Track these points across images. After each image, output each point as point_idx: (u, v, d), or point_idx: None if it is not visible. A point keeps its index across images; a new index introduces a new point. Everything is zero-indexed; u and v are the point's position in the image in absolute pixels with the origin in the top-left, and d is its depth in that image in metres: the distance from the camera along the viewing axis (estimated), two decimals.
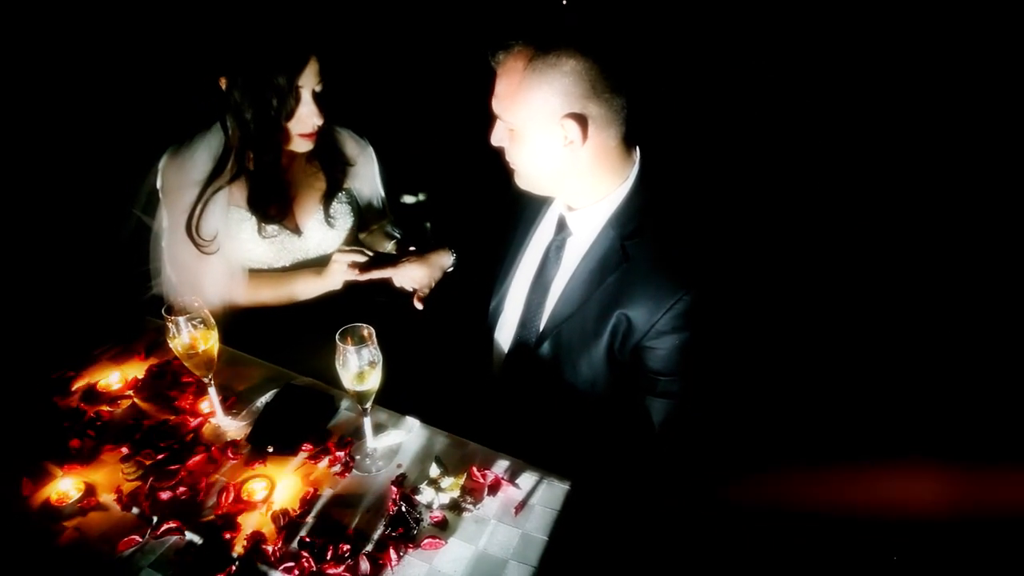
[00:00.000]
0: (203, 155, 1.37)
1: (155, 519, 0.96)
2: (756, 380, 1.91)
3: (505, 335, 1.36)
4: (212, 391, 1.12)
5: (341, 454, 1.09)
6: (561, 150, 1.07)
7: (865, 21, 3.78)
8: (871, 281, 2.74)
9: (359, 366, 0.95)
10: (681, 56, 3.88)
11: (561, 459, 1.09)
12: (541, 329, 1.26)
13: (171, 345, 1.04)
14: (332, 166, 1.53)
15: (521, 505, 1.01)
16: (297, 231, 1.48)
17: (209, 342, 1.05)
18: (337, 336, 0.94)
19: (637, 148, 1.18)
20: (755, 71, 3.91)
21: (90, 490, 1.01)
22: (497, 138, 1.14)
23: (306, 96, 1.29)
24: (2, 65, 2.08)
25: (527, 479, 1.06)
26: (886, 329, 2.48)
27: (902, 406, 2.11)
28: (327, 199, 1.52)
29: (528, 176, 1.16)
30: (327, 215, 1.51)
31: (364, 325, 0.96)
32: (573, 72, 0.99)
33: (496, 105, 1.09)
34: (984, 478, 1.74)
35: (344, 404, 1.22)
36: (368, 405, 1.03)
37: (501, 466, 1.08)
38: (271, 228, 1.43)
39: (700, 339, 1.10)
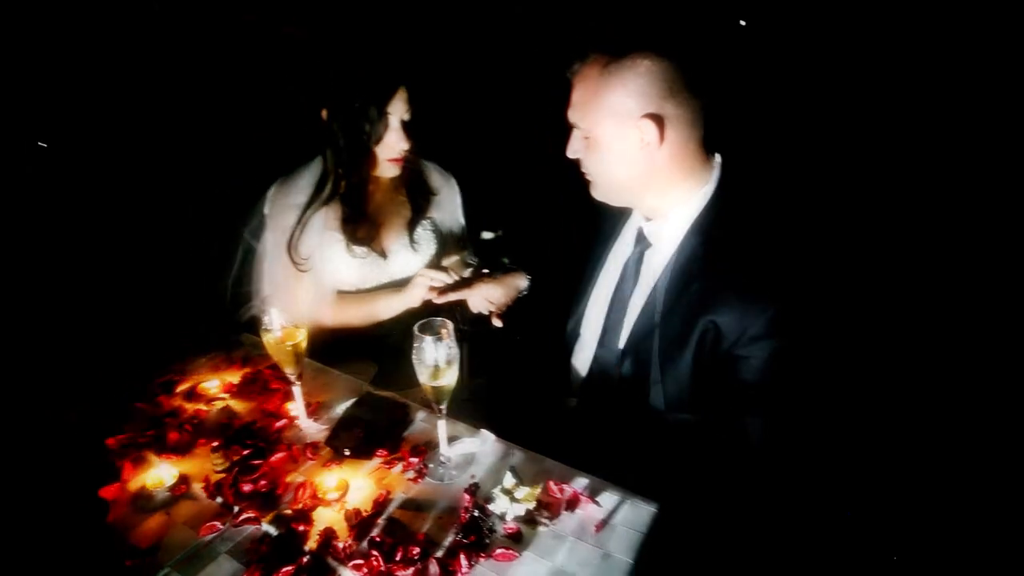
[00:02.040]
0: (305, 182, 1.50)
1: (236, 508, 0.97)
2: (855, 393, 1.70)
3: (583, 357, 1.32)
4: (297, 391, 1.15)
5: (415, 460, 1.07)
6: (637, 153, 1.06)
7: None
8: (968, 290, 2.43)
9: (435, 359, 0.94)
10: (764, 60, 3.78)
11: (645, 480, 1.00)
12: (621, 347, 1.20)
13: (264, 340, 1.09)
14: (417, 194, 1.61)
15: (602, 524, 0.93)
16: (383, 254, 1.55)
17: (298, 337, 1.10)
18: (416, 327, 0.95)
19: (717, 155, 1.15)
20: (845, 75, 3.73)
21: (183, 479, 1.05)
22: (573, 149, 1.14)
23: (394, 123, 1.40)
24: (154, 117, 2.46)
25: (608, 498, 0.98)
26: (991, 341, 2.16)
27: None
28: (411, 225, 1.60)
29: (605, 184, 1.14)
30: (411, 240, 1.58)
31: (443, 319, 0.96)
32: (648, 73, 1.00)
33: (572, 114, 1.10)
34: None
35: (420, 416, 1.21)
36: (444, 406, 1.01)
37: (580, 483, 1.01)
38: (359, 250, 1.51)
39: (795, 347, 1.00)
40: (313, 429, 1.17)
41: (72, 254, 2.41)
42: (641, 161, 1.06)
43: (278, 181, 1.55)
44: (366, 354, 1.54)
